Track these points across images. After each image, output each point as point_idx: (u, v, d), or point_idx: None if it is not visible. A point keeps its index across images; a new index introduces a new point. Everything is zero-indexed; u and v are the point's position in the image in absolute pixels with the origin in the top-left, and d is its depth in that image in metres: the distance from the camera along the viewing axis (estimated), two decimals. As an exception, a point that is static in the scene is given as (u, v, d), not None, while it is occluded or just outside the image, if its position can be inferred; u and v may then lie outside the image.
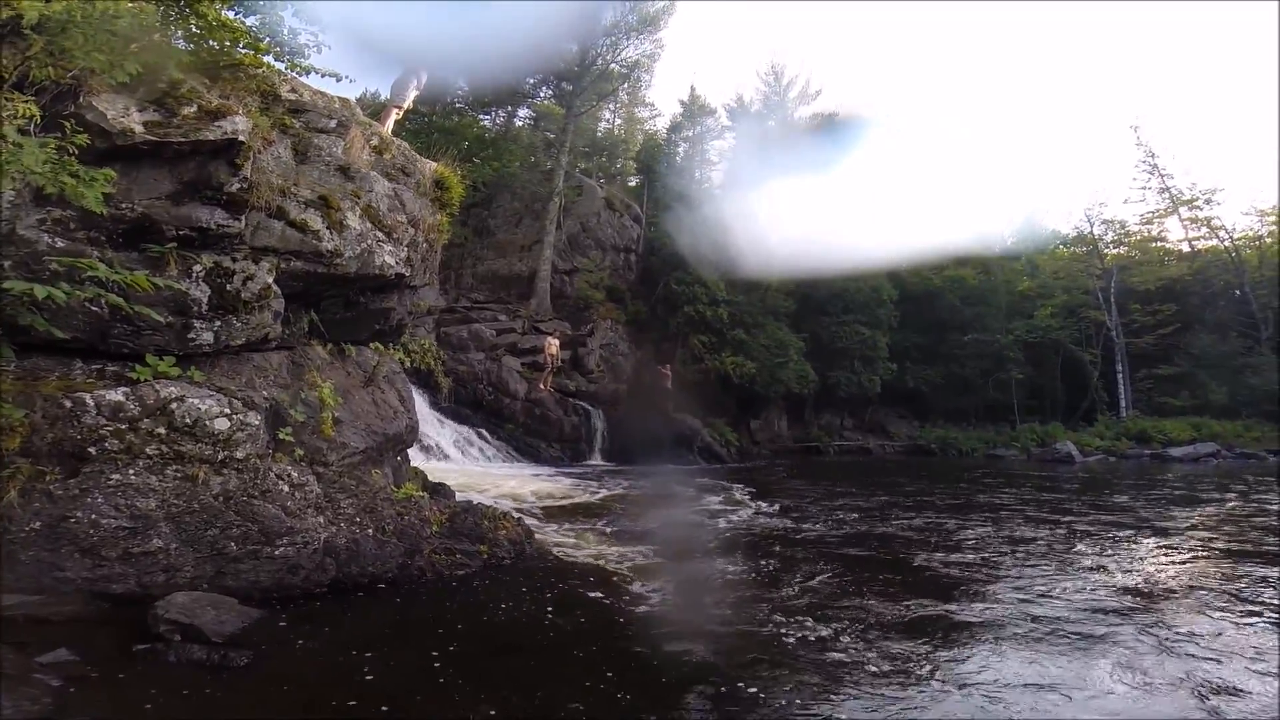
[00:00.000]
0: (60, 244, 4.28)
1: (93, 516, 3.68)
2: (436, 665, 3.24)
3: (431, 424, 14.77)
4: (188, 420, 4.28)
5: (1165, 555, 6.38)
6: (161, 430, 4.18)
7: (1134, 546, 6.75)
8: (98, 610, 3.48)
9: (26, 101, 3.82)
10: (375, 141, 7.07)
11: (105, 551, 3.65)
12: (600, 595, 4.70)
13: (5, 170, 3.51)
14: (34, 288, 3.39)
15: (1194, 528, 7.80)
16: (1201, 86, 69.71)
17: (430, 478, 8.22)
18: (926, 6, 72.91)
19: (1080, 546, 6.65)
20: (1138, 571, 5.66)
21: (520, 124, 29.59)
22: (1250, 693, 3.21)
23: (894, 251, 24.09)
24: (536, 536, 6.34)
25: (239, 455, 4.46)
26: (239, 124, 4.96)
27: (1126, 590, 5.04)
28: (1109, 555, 6.27)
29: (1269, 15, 46.85)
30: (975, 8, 79.33)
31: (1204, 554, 6.40)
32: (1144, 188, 31.08)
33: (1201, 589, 5.09)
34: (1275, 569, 5.66)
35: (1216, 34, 71.50)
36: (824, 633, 3.96)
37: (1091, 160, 63.05)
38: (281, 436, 5.11)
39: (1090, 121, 68.51)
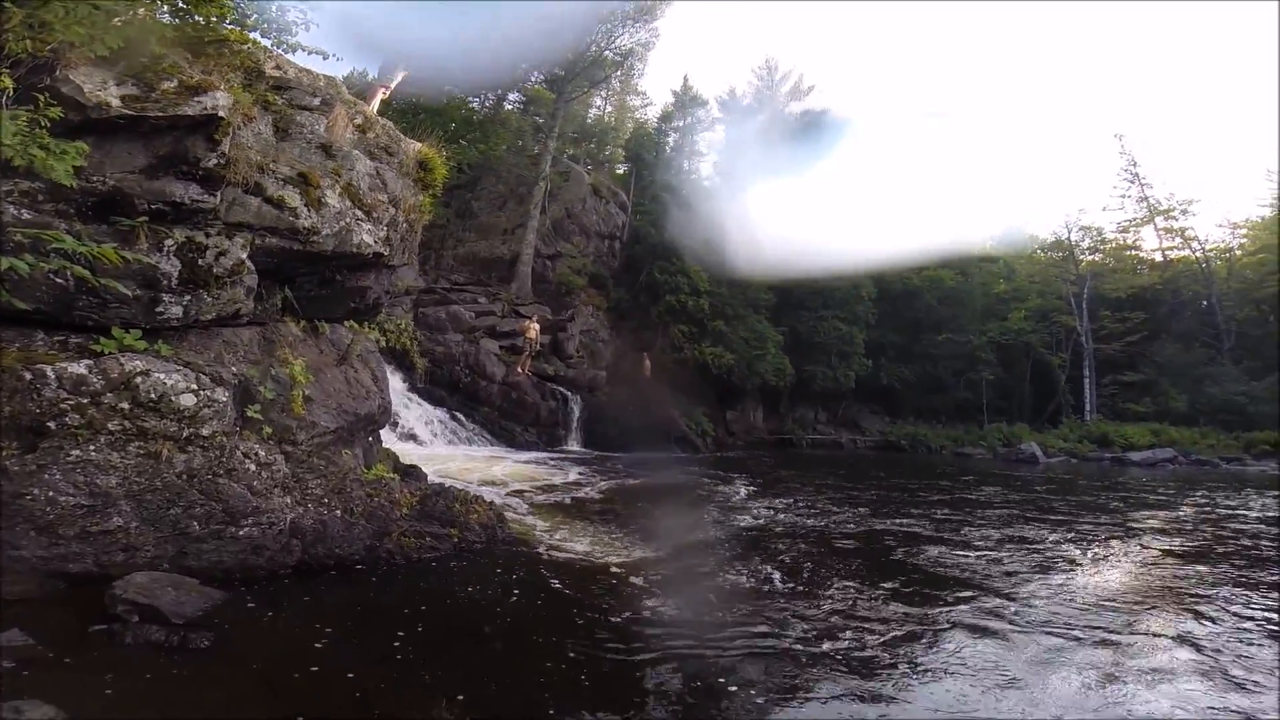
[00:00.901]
0: (26, 215, 4.17)
1: (50, 493, 3.63)
2: (399, 647, 3.27)
3: (405, 405, 14.65)
4: (152, 395, 4.22)
5: (1145, 554, 6.59)
6: (125, 405, 4.11)
7: (1123, 547, 6.94)
8: (53, 590, 3.44)
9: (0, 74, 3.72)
10: (359, 120, 6.96)
11: (62, 529, 3.60)
12: (569, 581, 4.74)
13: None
14: (-5, 258, 3.30)
15: (1169, 530, 8.03)
16: (1184, 94, 71.07)
17: (403, 459, 8.19)
18: (920, 10, 73.06)
19: (1069, 548, 6.75)
20: (1133, 572, 5.84)
21: (509, 107, 29.12)
22: (1252, 690, 3.30)
23: (876, 250, 24.34)
24: (509, 521, 6.37)
25: (205, 432, 4.41)
26: (219, 99, 4.86)
27: (1125, 590, 5.16)
28: (1102, 558, 6.40)
29: (1269, 18, 46.65)
30: (969, 9, 79.69)
31: (1178, 554, 6.63)
32: (1123, 195, 31.77)
33: (1185, 587, 5.25)
34: (1241, 570, 5.88)
35: (1206, 40, 72.84)
36: (814, 628, 3.97)
37: (1074, 165, 64.13)
38: (250, 414, 5.04)
39: (1076, 125, 69.59)
